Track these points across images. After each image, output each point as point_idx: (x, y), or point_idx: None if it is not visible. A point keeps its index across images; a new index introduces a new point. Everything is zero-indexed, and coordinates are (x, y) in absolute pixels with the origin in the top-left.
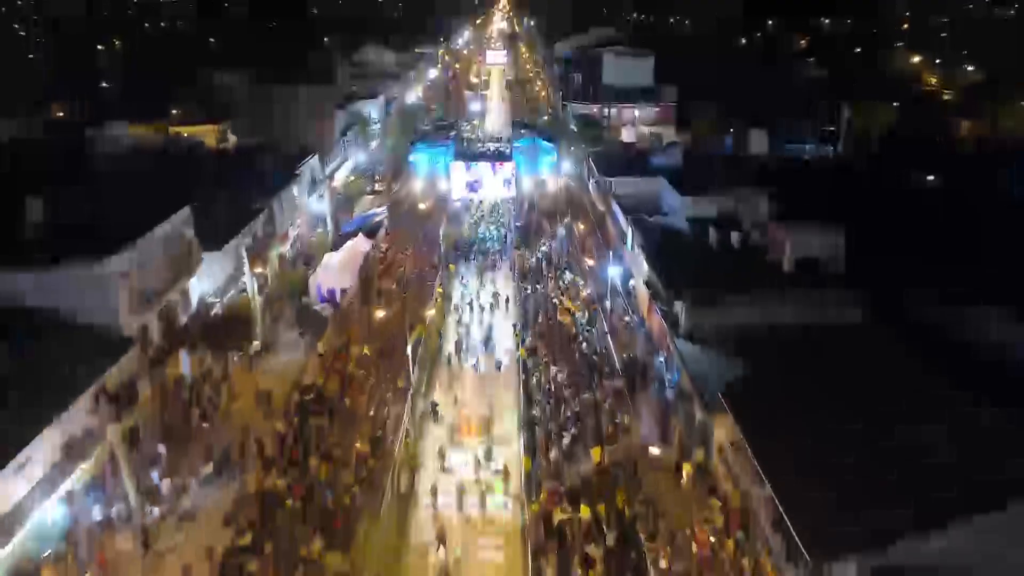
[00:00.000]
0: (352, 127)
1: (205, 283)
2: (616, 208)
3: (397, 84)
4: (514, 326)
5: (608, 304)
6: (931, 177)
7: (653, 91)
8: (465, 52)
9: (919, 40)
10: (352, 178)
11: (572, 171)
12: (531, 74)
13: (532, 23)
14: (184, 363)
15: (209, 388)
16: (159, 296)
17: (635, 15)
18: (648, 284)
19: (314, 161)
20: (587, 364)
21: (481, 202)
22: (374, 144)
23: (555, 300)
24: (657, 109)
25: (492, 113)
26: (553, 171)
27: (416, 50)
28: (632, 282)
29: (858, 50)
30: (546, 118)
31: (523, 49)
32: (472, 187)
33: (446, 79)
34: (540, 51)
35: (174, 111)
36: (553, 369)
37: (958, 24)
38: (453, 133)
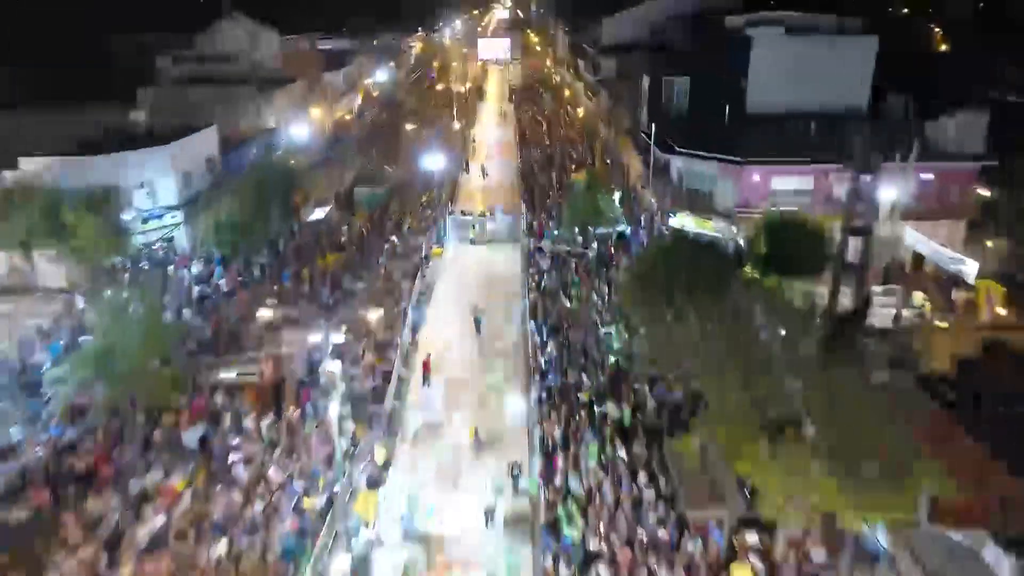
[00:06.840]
0: None
1: None
2: None
3: (286, 96)
4: None
5: None
6: None
7: (899, 125)
8: (449, 44)
9: None
10: None
11: None
12: (554, 77)
13: (542, 11)
14: None
15: None
16: None
17: None
18: None
19: None
20: None
21: None
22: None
23: None
24: (928, 176)
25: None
26: None
27: (375, 41)
28: None
29: None
30: (619, 205)
31: (534, 39)
32: None
33: (405, 86)
34: (561, 41)
35: None
36: None
37: None
38: None
